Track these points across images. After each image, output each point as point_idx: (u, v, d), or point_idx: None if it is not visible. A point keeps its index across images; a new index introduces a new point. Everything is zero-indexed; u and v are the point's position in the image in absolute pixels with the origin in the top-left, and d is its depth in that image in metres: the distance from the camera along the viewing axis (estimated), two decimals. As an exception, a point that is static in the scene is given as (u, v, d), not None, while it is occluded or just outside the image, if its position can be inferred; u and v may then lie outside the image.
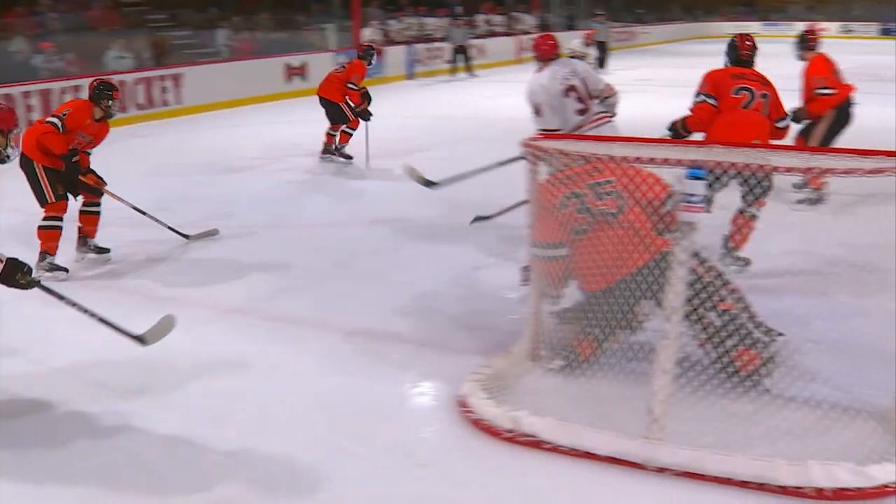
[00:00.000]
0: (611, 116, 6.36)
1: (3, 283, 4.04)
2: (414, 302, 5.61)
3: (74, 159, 6.09)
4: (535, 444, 3.67)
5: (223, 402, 4.22)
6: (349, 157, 10.57)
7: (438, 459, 3.70)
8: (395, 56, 21.17)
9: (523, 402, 3.94)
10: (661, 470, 3.46)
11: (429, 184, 7.12)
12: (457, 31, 22.32)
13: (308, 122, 11.87)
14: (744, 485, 3.35)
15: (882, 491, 3.30)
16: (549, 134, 5.83)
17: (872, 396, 3.84)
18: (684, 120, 6.17)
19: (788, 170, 3.58)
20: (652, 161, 3.70)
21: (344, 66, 10.72)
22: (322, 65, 18.15)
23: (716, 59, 6.65)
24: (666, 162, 3.60)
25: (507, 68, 23.88)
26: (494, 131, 11.00)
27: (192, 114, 14.98)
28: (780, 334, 4.36)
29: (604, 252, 4.24)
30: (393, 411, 4.14)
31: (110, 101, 6.31)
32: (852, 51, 31.96)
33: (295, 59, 17.86)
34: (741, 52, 6.28)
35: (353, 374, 4.55)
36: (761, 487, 3.33)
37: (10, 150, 4.75)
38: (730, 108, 5.93)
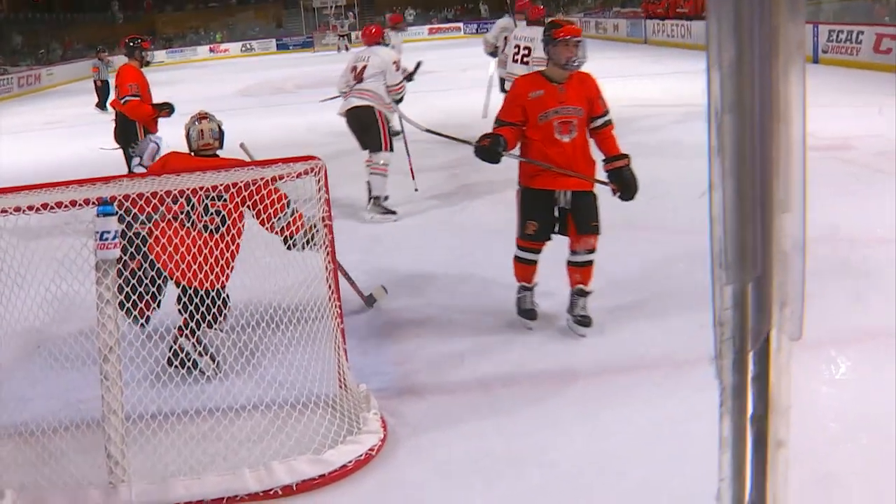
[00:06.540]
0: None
1: None
2: None
3: None
4: (-2, 520, 3.41)
5: None
6: None
7: None
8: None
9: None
10: (133, 510, 3.39)
11: None
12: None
13: None
14: (216, 502, 3.40)
15: (343, 472, 3.55)
16: None
17: (319, 389, 4.04)
18: None
19: (194, 191, 3.66)
20: (59, 206, 3.54)
21: None
22: None
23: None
24: (74, 205, 3.50)
25: None
26: None
27: None
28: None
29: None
30: None
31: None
32: (255, 67, 33.63)
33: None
34: None
35: None
36: (233, 500, 3.40)
37: None
38: None
